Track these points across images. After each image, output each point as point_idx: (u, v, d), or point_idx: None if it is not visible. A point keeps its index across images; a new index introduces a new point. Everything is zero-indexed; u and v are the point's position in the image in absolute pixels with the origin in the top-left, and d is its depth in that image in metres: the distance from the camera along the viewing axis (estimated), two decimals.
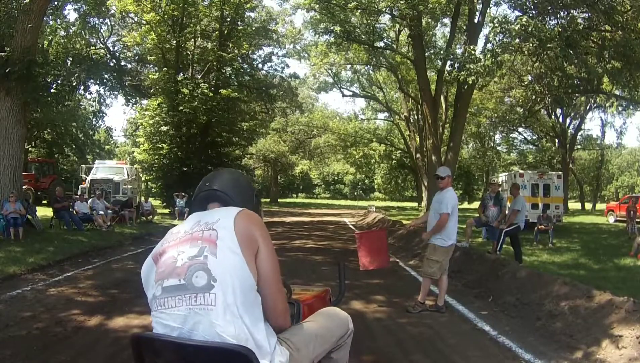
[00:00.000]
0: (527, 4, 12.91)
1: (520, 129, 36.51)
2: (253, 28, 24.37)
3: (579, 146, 39.46)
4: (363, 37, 19.65)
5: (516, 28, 11.84)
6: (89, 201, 14.37)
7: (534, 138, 38.25)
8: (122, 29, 25.50)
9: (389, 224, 18.34)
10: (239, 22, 23.32)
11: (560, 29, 11.91)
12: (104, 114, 52.98)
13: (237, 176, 1.86)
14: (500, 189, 11.48)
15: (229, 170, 1.91)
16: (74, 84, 13.58)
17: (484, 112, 31.38)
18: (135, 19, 23.39)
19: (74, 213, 13.23)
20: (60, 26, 21.81)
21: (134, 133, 32.84)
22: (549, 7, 12.32)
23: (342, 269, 2.42)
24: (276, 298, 1.59)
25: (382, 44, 22.75)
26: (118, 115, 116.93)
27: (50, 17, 19.61)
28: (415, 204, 42.00)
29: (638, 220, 15.96)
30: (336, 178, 70.25)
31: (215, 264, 1.47)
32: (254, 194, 1.86)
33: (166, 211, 21.40)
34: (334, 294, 2.47)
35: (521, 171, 20.89)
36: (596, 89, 17.92)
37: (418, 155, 27.95)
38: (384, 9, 16.21)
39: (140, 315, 5.13)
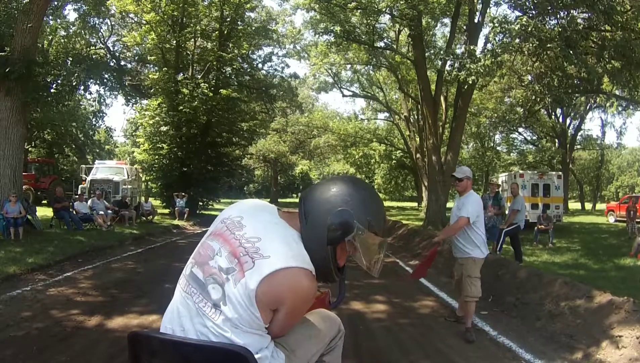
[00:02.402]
0: (527, 4, 12.87)
1: (520, 129, 36.48)
2: (253, 28, 24.36)
3: (579, 146, 39.44)
4: (363, 37, 19.63)
5: (516, 28, 11.82)
6: (89, 201, 14.37)
7: (534, 138, 38.23)
8: (122, 29, 25.51)
9: (389, 224, 18.34)
10: (239, 22, 23.33)
11: (560, 29, 11.89)
12: (104, 114, 53.17)
13: (322, 206, 1.47)
14: (499, 189, 11.48)
15: (338, 188, 1.50)
16: (74, 84, 13.55)
17: (484, 112, 31.33)
18: (135, 19, 23.39)
19: (74, 213, 13.24)
20: (60, 26, 21.85)
21: (134, 133, 32.84)
22: (549, 7, 12.29)
23: (343, 274, 2.34)
24: (279, 335, 1.56)
25: (382, 44, 22.72)
26: (118, 115, 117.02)
27: (50, 17, 19.64)
28: (415, 204, 41.98)
29: (638, 220, 15.96)
30: None
31: (231, 291, 1.41)
32: (338, 236, 1.45)
33: (166, 211, 21.40)
34: (334, 295, 2.46)
35: (521, 171, 20.90)
36: (596, 89, 17.89)
37: (418, 155, 27.94)
38: (384, 9, 16.17)
39: (140, 315, 5.13)
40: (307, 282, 1.40)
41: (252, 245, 1.43)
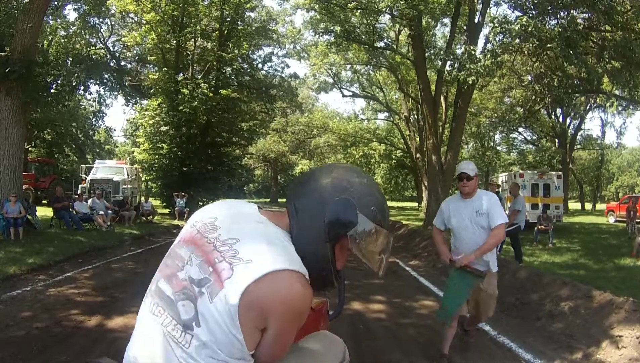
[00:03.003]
0: (527, 4, 12.90)
1: (520, 129, 36.52)
2: (253, 28, 24.39)
3: (579, 146, 39.46)
4: (363, 37, 19.65)
5: (516, 28, 11.84)
6: (89, 201, 14.38)
7: (534, 137, 38.26)
8: (122, 29, 25.54)
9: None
10: (239, 22, 23.34)
11: (560, 29, 11.90)
12: (104, 114, 53.16)
13: (324, 202, 1.20)
14: (498, 189, 11.48)
15: (334, 176, 1.25)
16: (74, 84, 13.58)
17: (484, 112, 31.36)
18: (135, 19, 23.42)
19: (74, 213, 13.24)
20: (60, 26, 21.87)
21: (134, 133, 32.86)
22: (549, 7, 12.31)
23: (341, 279, 2.03)
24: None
25: (382, 44, 22.74)
26: (118, 115, 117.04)
27: (50, 17, 19.66)
28: (415, 204, 42.00)
29: (638, 220, 15.96)
30: None
31: (205, 308, 1.10)
32: (339, 230, 1.19)
33: (166, 211, 21.41)
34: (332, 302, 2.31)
35: (521, 171, 20.91)
36: (596, 89, 17.92)
37: (418, 155, 27.94)
38: (384, 9, 16.20)
39: None
40: (301, 287, 1.11)
41: (229, 247, 1.15)
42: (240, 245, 1.15)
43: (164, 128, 21.01)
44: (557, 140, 34.03)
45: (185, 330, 1.12)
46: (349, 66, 30.45)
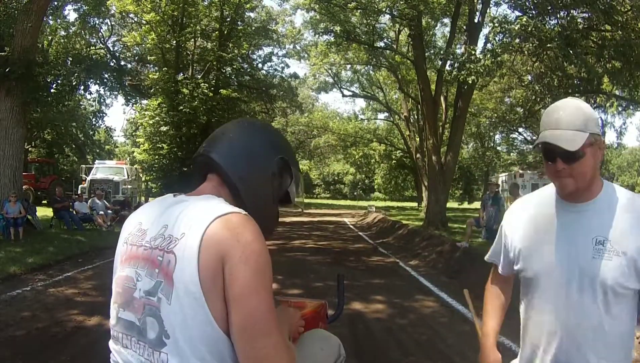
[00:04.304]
0: (527, 4, 12.90)
1: (520, 129, 36.50)
2: (253, 28, 24.43)
3: None
4: (363, 37, 19.66)
5: (516, 28, 11.83)
6: (89, 201, 14.39)
7: (534, 138, 38.26)
8: (122, 29, 25.55)
9: (389, 224, 18.35)
10: (239, 22, 23.40)
11: (560, 29, 11.92)
12: (104, 114, 53.22)
13: (248, 137, 1.22)
14: (498, 189, 11.49)
15: (243, 125, 1.30)
16: (74, 84, 13.60)
17: (484, 112, 31.37)
18: (135, 19, 23.43)
19: (74, 213, 13.25)
20: (60, 26, 21.89)
21: (134, 133, 32.89)
22: (549, 7, 12.31)
23: (341, 282, 1.92)
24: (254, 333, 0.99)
25: (382, 44, 22.75)
26: (118, 115, 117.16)
27: (50, 17, 19.66)
28: (415, 204, 41.99)
29: None
30: (336, 178, 70.26)
31: (168, 313, 1.00)
32: (273, 169, 1.21)
33: None
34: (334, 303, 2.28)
35: (521, 171, 20.92)
36: (596, 89, 17.91)
37: (418, 155, 27.93)
38: (384, 9, 16.20)
39: None
40: (249, 219, 1.04)
41: (162, 239, 1.06)
42: (171, 230, 1.06)
43: (164, 128, 21.05)
44: None
45: (159, 349, 1.01)
46: (349, 66, 30.45)
